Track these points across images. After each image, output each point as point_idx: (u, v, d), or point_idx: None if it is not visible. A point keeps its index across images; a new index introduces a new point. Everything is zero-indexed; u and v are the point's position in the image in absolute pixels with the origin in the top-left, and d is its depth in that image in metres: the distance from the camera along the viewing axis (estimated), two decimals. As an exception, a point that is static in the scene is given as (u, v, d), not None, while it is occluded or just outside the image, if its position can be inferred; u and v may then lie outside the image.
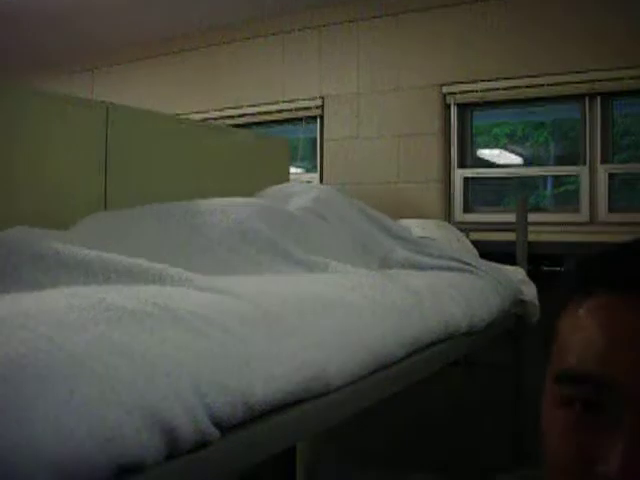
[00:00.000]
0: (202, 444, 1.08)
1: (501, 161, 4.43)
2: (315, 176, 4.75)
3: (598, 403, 0.62)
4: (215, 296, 1.37)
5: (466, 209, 4.26)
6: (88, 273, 1.45)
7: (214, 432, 1.10)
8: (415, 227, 3.15)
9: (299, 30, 4.82)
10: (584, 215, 3.88)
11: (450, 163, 4.28)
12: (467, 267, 2.69)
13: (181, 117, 4.79)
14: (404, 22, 4.40)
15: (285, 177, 3.75)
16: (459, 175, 4.25)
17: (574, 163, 4.00)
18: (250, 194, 3.01)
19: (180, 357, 1.08)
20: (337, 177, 4.57)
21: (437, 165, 4.25)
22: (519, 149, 4.40)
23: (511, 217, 3.73)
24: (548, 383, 0.70)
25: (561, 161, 4.18)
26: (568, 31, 3.86)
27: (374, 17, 4.52)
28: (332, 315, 1.57)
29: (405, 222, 3.24)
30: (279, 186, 2.96)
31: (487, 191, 4.41)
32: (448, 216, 4.24)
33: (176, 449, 1.02)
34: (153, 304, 1.20)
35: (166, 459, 1.01)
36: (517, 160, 4.39)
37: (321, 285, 1.75)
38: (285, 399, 1.30)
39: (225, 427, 1.14)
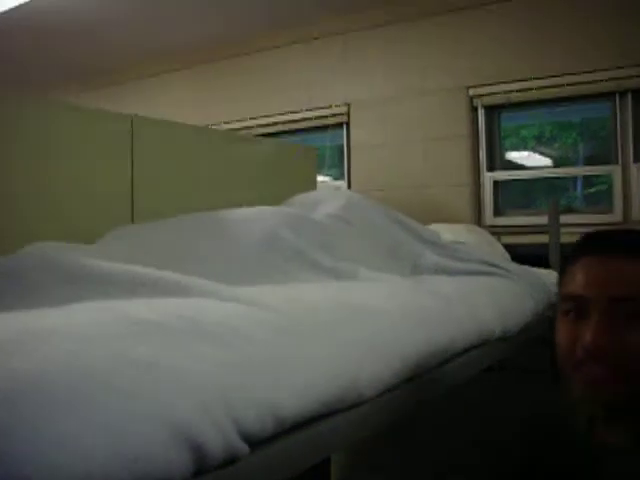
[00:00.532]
0: (231, 460, 1.05)
1: (530, 163, 4.37)
2: (342, 183, 4.71)
3: (581, 310, 1.18)
4: (242, 307, 1.34)
5: (496, 212, 4.20)
6: (114, 286, 1.43)
7: (243, 447, 1.06)
8: (444, 232, 3.10)
9: (323, 37, 4.80)
10: (617, 215, 3.81)
11: (479, 166, 4.22)
12: (499, 271, 2.64)
13: (208, 128, 4.81)
14: (429, 25, 4.36)
15: (313, 184, 3.73)
16: (488, 178, 4.19)
17: (605, 163, 3.92)
18: (277, 204, 3.00)
19: (207, 370, 1.05)
20: (365, 183, 4.53)
21: (466, 169, 4.20)
22: (548, 150, 4.33)
23: (542, 220, 3.66)
24: (558, 303, 1.31)
25: (591, 161, 4.11)
26: (595, 29, 3.80)
27: (399, 21, 4.49)
28: (363, 323, 1.53)
29: (434, 227, 3.19)
30: (306, 194, 2.94)
31: (517, 194, 4.35)
32: (478, 220, 4.18)
33: (204, 465, 0.99)
34: (179, 317, 1.18)
35: (193, 475, 0.98)
36: (546, 161, 4.33)
37: (351, 293, 1.72)
38: (316, 411, 1.26)
39: (255, 442, 1.11)
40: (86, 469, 0.81)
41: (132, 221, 2.64)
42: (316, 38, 4.83)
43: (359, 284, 1.90)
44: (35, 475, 0.76)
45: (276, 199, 3.12)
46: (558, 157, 4.28)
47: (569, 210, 3.89)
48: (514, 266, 2.81)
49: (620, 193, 3.79)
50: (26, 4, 4.15)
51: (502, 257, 3.21)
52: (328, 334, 1.39)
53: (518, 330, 2.42)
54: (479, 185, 4.22)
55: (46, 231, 1.96)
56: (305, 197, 2.86)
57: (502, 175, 4.21)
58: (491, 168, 4.22)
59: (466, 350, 2.04)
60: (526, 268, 2.87)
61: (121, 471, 0.84)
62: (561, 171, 4.13)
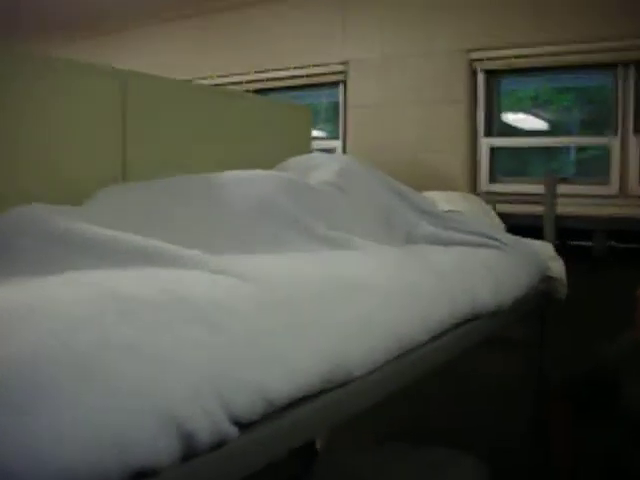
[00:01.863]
0: (220, 444, 1.02)
1: (525, 125, 4.29)
2: (338, 143, 4.64)
3: None
4: (232, 281, 1.30)
5: (492, 179, 4.14)
6: (99, 254, 1.39)
7: (233, 431, 1.04)
8: (440, 200, 3.06)
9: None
10: (614, 188, 3.76)
11: (476, 132, 4.15)
12: (494, 243, 2.61)
13: (201, 83, 4.72)
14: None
15: (307, 146, 3.66)
16: (485, 144, 4.13)
17: (601, 130, 3.87)
18: (271, 163, 2.95)
19: (195, 354, 1.02)
20: (361, 145, 4.46)
21: (463, 134, 4.13)
22: (546, 116, 4.26)
23: (538, 188, 3.62)
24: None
25: (586, 126, 4.05)
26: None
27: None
28: (355, 300, 1.50)
29: (430, 194, 3.14)
30: (300, 157, 2.88)
31: (513, 160, 4.29)
32: (474, 186, 4.13)
33: (194, 450, 0.97)
34: (166, 292, 1.14)
35: (182, 459, 0.96)
36: (541, 124, 4.26)
37: (343, 265, 1.68)
38: (306, 391, 1.24)
39: (244, 424, 1.08)
40: (71, 460, 0.78)
41: (124, 180, 2.58)
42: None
43: (352, 255, 1.86)
44: (17, 468, 0.73)
45: (269, 159, 3.07)
46: (556, 124, 4.22)
47: (564, 180, 3.84)
48: (509, 238, 2.77)
49: (618, 165, 3.74)
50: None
51: (498, 227, 3.18)
52: (318, 312, 1.35)
53: (512, 304, 2.41)
54: (475, 150, 4.16)
55: (28, 193, 1.89)
56: (299, 161, 2.81)
57: (499, 141, 4.15)
58: (488, 134, 4.15)
59: (459, 325, 2.03)
60: (521, 240, 2.84)
61: (106, 458, 0.81)
62: (559, 140, 4.06)
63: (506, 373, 3.52)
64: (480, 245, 2.55)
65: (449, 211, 2.86)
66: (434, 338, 1.81)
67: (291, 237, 2.01)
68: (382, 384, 1.56)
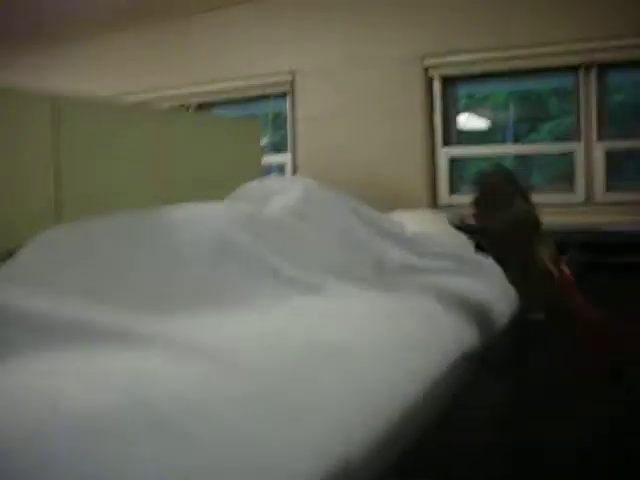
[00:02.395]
0: None
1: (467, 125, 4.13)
2: (287, 157, 4.40)
3: None
4: (198, 368, 1.06)
5: (452, 190, 3.96)
6: (37, 334, 1.14)
7: None
8: (406, 221, 2.84)
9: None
10: (580, 195, 3.62)
11: (434, 142, 3.97)
12: (470, 267, 2.41)
13: (137, 102, 4.44)
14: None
15: (258, 159, 3.44)
16: (444, 154, 3.95)
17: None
18: (221, 182, 2.73)
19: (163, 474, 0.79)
20: (311, 159, 4.24)
21: (420, 144, 3.94)
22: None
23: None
24: None
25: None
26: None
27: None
28: (346, 370, 1.27)
29: (396, 215, 2.93)
30: (255, 183, 2.63)
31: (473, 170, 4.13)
32: (434, 198, 3.94)
33: None
34: (122, 395, 0.90)
35: None
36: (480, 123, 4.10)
37: (325, 325, 1.44)
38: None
39: None
40: None
41: (59, 214, 2.31)
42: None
43: (329, 307, 1.62)
44: None
45: (219, 178, 2.86)
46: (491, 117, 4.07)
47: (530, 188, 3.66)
48: (483, 259, 2.58)
49: (582, 172, 3.60)
50: None
51: (468, 247, 2.98)
52: (307, 399, 1.12)
53: (498, 333, 2.21)
54: (434, 161, 3.97)
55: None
56: (255, 188, 2.57)
57: (458, 151, 3.97)
58: (447, 143, 3.97)
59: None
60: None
61: None
62: (522, 149, 3.90)
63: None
64: (455, 272, 2.35)
65: (418, 234, 2.65)
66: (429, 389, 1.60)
67: (256, 279, 1.78)
68: (383, 455, 1.33)
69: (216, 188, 2.85)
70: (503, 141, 4.04)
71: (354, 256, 2.27)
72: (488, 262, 2.52)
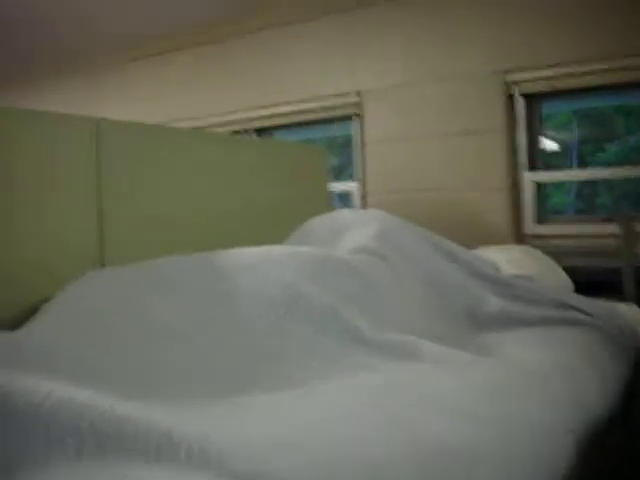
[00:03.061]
0: None
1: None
2: (354, 184, 4.05)
3: None
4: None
5: (539, 220, 3.54)
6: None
7: None
8: (500, 259, 2.45)
9: (327, 14, 4.12)
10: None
11: (517, 165, 3.57)
12: (580, 315, 2.02)
13: (193, 129, 4.20)
14: (453, 0, 3.69)
15: (324, 190, 3.13)
16: (528, 179, 3.54)
17: None
18: (283, 214, 2.45)
19: None
20: (379, 186, 3.89)
21: (501, 168, 3.54)
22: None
23: (601, 229, 3.06)
24: None
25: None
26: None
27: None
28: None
29: (484, 252, 2.55)
30: (323, 218, 2.29)
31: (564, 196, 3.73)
32: (518, 229, 3.54)
33: None
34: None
35: None
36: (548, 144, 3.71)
37: (440, 418, 1.07)
38: None
39: None
40: None
41: (102, 249, 2.02)
42: (316, 18, 4.15)
43: (435, 386, 1.25)
44: None
45: (282, 209, 2.60)
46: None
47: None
48: (593, 305, 2.17)
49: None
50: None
51: (568, 289, 2.58)
52: None
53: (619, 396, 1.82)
54: (517, 187, 3.57)
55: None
56: (323, 224, 2.22)
57: (545, 176, 3.55)
58: (531, 167, 3.56)
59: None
60: (606, 306, 2.23)
61: None
62: (623, 171, 3.43)
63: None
64: (565, 322, 1.97)
65: (515, 275, 2.25)
66: None
67: (331, 343, 1.44)
68: None
69: (278, 220, 2.56)
70: (569, 163, 3.64)
71: (445, 304, 1.90)
72: (603, 310, 2.12)
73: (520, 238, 3.49)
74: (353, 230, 2.05)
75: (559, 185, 3.70)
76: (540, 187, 3.57)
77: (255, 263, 1.59)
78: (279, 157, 2.84)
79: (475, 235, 3.29)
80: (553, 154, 3.73)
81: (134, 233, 2.13)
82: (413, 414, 1.05)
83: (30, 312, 1.50)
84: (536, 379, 1.44)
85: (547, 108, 3.70)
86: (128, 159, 2.12)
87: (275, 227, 2.43)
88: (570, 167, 3.65)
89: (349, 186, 4.07)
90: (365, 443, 0.93)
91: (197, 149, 2.41)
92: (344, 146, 4.27)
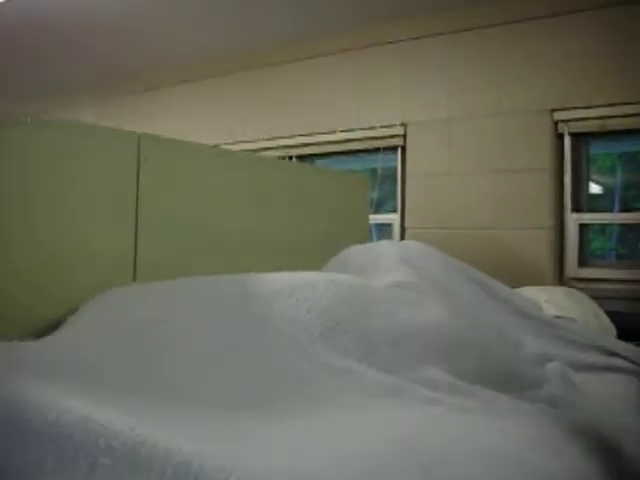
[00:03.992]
0: None
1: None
2: (395, 217, 4.00)
3: None
4: None
5: (581, 262, 3.45)
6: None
7: None
8: (543, 299, 2.37)
9: (373, 45, 4.11)
10: None
11: (562, 206, 3.48)
12: (625, 363, 1.94)
13: (234, 151, 4.19)
14: (503, 35, 3.65)
15: (365, 220, 3.08)
16: (573, 220, 3.45)
17: None
18: (321, 242, 2.39)
19: None
20: (421, 219, 3.83)
21: (546, 208, 3.46)
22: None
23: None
24: None
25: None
26: None
27: (465, 30, 3.78)
28: None
29: (526, 291, 2.47)
30: (360, 248, 2.24)
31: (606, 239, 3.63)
32: (560, 270, 3.44)
33: None
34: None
35: None
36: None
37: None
38: None
39: None
40: None
41: (135, 259, 1.99)
42: (365, 47, 4.14)
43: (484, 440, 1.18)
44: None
45: (319, 240, 2.53)
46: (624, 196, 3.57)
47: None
48: (637, 352, 2.09)
49: None
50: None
51: (611, 334, 2.49)
52: None
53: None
54: (562, 228, 3.48)
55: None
56: (362, 253, 2.17)
57: (590, 217, 3.46)
58: (576, 208, 3.48)
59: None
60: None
61: None
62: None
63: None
64: (610, 369, 1.88)
65: (558, 317, 2.17)
66: None
67: (363, 375, 1.38)
68: None
69: (316, 246, 2.51)
70: (612, 206, 3.55)
71: (484, 344, 1.83)
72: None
73: (562, 280, 3.40)
74: (391, 262, 1.99)
75: (601, 229, 3.61)
76: (585, 229, 3.49)
77: (291, 288, 1.55)
78: (322, 184, 2.81)
79: (517, 274, 3.21)
80: (596, 197, 3.64)
81: (169, 251, 2.09)
82: (444, 458, 0.99)
83: (58, 323, 1.47)
84: (579, 429, 1.37)
85: (597, 149, 3.62)
86: (168, 176, 2.09)
87: (313, 254, 2.39)
88: (612, 211, 3.56)
89: (389, 218, 4.02)
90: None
91: (238, 170, 2.38)
92: (386, 178, 4.22)
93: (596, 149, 3.64)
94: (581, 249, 3.47)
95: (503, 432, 1.19)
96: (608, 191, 3.67)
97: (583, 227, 3.48)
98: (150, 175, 2.03)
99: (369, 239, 3.09)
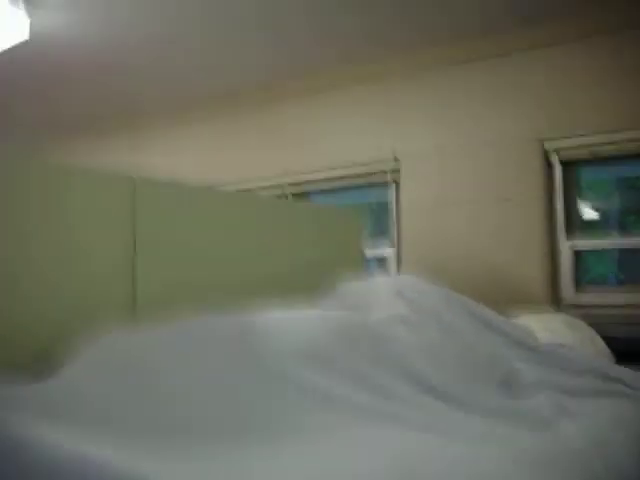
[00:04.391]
0: None
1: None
2: (390, 251, 4.03)
3: None
4: None
5: (579, 288, 3.47)
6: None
7: None
8: (538, 328, 2.40)
9: (364, 81, 4.19)
10: None
11: (555, 232, 3.52)
12: (622, 388, 1.95)
13: (225, 190, 4.22)
14: (491, 67, 3.72)
15: (359, 254, 3.11)
16: (567, 247, 3.49)
17: None
18: (316, 278, 2.41)
19: None
20: (416, 251, 3.86)
21: (539, 235, 3.50)
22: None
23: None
24: None
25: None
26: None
27: (454, 63, 3.86)
28: None
29: (521, 320, 2.49)
30: (357, 284, 2.27)
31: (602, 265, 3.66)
32: (555, 296, 3.47)
33: None
34: None
35: None
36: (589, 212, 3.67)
37: None
38: None
39: None
40: None
41: (134, 302, 2.02)
42: (352, 82, 4.22)
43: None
44: None
45: (314, 276, 2.53)
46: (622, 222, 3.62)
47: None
48: (635, 377, 2.10)
49: None
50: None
51: (608, 359, 2.50)
52: None
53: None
54: (555, 255, 3.51)
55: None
56: (356, 290, 2.20)
57: (583, 243, 3.50)
58: (570, 234, 3.51)
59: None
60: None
61: None
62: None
63: None
64: (606, 393, 1.90)
65: (553, 345, 2.19)
66: None
67: (359, 406, 1.41)
68: None
69: (312, 283, 2.53)
70: (611, 231, 3.60)
71: (477, 373, 1.85)
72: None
73: (558, 305, 3.42)
74: (385, 297, 2.02)
75: (601, 255, 3.64)
76: (580, 255, 3.52)
77: (286, 324, 1.58)
78: (314, 220, 2.84)
79: (512, 301, 3.22)
80: (593, 222, 3.68)
81: (166, 292, 2.12)
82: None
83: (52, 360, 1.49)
84: (575, 455, 1.39)
85: (588, 175, 3.67)
86: (162, 217, 2.13)
87: (309, 289, 2.41)
88: (610, 235, 3.59)
89: (385, 252, 4.05)
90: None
91: (231, 210, 2.41)
92: (382, 212, 4.26)
93: (591, 175, 3.69)
94: (579, 275, 3.50)
95: (496, 457, 1.21)
96: (604, 216, 3.70)
97: (580, 253, 3.51)
98: (146, 218, 2.06)
99: (368, 271, 3.12)
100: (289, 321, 1.62)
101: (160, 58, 4.10)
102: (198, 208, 2.29)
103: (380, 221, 4.26)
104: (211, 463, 1.09)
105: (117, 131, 5.37)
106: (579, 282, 3.50)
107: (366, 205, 4.38)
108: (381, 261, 4.07)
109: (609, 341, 2.72)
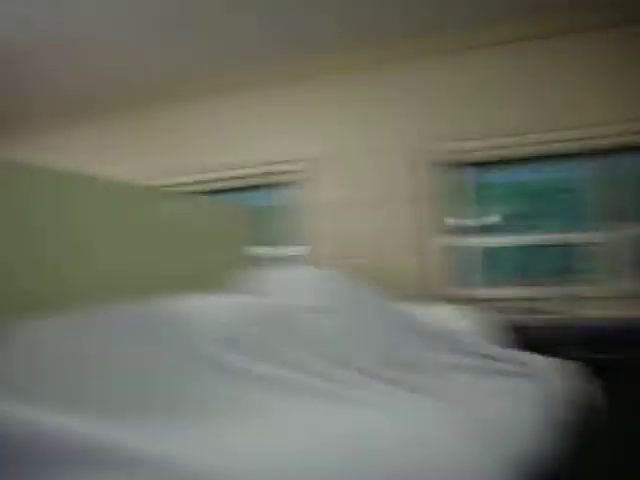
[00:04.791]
0: None
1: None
2: (298, 249, 4.16)
3: None
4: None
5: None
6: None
7: None
8: (434, 316, 2.57)
9: (269, 82, 4.32)
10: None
11: (443, 231, 3.80)
12: (516, 367, 2.13)
13: (116, 181, 4.21)
14: (393, 72, 3.96)
15: (243, 250, 3.29)
16: (444, 245, 3.80)
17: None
18: (201, 270, 2.55)
19: None
20: (321, 249, 4.03)
21: (425, 232, 3.82)
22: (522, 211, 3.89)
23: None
24: None
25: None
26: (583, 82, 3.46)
27: (353, 67, 4.06)
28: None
29: (421, 310, 2.66)
30: (278, 274, 2.38)
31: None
32: (448, 291, 3.73)
33: None
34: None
35: None
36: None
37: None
38: None
39: None
40: None
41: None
42: (264, 84, 4.33)
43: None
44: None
45: (197, 269, 2.68)
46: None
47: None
48: (536, 359, 2.27)
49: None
50: None
51: (499, 343, 2.69)
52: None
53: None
54: (426, 252, 3.81)
55: None
56: (278, 279, 2.31)
57: (471, 240, 3.78)
58: (461, 231, 3.79)
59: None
60: (539, 357, 2.33)
61: None
62: (540, 238, 3.68)
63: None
64: (503, 373, 2.07)
65: (450, 331, 2.36)
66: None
67: (278, 378, 1.51)
68: None
69: (194, 278, 2.55)
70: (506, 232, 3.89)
71: (386, 356, 1.99)
72: (543, 361, 2.23)
73: (451, 298, 3.63)
74: (297, 286, 2.14)
75: (505, 255, 3.86)
76: (487, 253, 3.75)
77: (207, 310, 1.67)
78: (199, 214, 2.94)
79: (412, 293, 3.40)
80: (489, 224, 3.90)
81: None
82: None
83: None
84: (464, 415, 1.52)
85: (485, 179, 3.90)
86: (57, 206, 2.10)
87: (191, 283, 2.39)
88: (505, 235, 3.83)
89: (294, 250, 4.18)
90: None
91: (116, 201, 2.42)
92: (291, 212, 4.37)
93: (488, 179, 3.92)
94: (490, 272, 3.75)
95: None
96: (503, 219, 3.93)
97: (486, 250, 3.76)
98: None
99: (257, 265, 3.20)
100: (210, 307, 1.71)
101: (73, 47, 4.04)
102: (79, 197, 2.24)
103: (290, 221, 4.36)
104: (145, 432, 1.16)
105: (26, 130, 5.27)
106: (489, 278, 3.77)
107: (276, 205, 4.48)
108: (291, 259, 4.18)
109: (517, 329, 2.92)
